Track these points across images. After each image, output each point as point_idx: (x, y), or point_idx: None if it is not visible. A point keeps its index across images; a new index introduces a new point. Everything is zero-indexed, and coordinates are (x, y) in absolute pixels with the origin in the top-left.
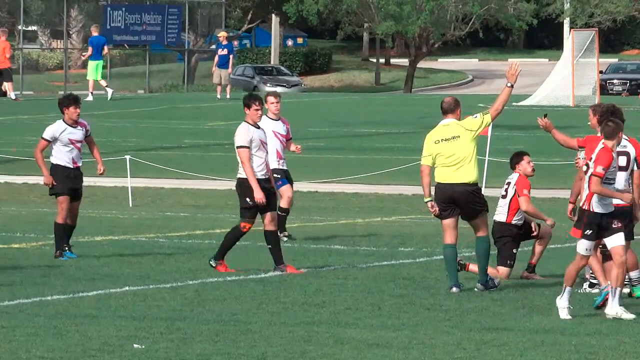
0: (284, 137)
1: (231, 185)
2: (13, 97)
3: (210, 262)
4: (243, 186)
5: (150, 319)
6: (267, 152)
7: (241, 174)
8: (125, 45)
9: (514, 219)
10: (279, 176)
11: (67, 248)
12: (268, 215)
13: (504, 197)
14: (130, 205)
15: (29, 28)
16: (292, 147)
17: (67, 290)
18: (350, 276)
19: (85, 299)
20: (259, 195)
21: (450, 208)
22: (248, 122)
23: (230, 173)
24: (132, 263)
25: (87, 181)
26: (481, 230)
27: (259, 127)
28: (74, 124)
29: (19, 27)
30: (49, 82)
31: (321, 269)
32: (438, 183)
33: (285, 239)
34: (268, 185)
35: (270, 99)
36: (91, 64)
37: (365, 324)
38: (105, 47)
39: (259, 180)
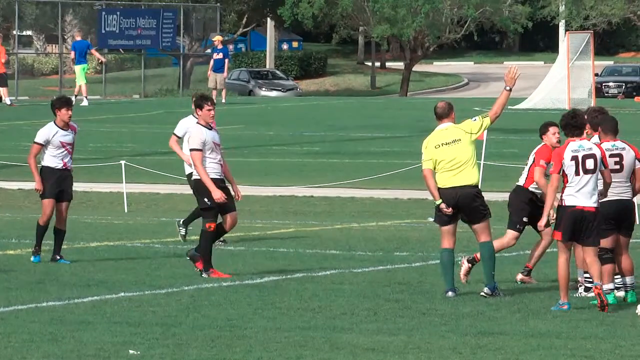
0: None
1: None
2: (8, 102)
3: (202, 275)
4: (199, 187)
5: (146, 324)
6: (220, 153)
7: (196, 176)
8: (120, 49)
9: (531, 185)
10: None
11: (59, 257)
12: (228, 216)
13: (527, 164)
14: (126, 210)
15: (24, 33)
16: None
17: (62, 297)
18: (346, 281)
19: (81, 305)
20: (217, 195)
21: (452, 214)
22: (200, 124)
23: None
24: (128, 269)
25: (82, 187)
26: (484, 236)
27: (211, 128)
28: (65, 126)
29: (14, 32)
30: (44, 87)
31: (317, 273)
32: (440, 188)
33: (183, 234)
34: (223, 185)
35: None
36: (77, 68)
37: (361, 329)
38: (93, 50)
39: (214, 180)
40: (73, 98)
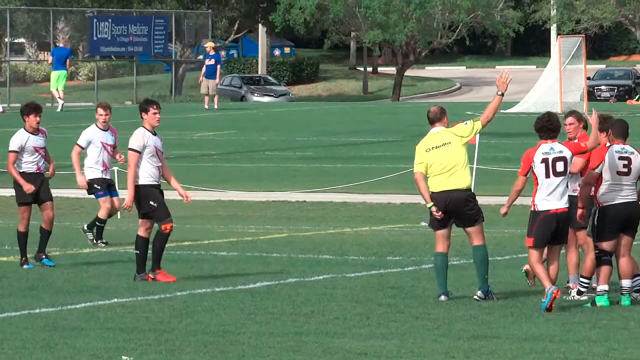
0: (112, 147)
1: (220, 195)
2: (0, 109)
3: (150, 275)
4: (140, 192)
5: (139, 330)
6: (161, 160)
7: (136, 182)
8: (112, 56)
9: None
10: (98, 187)
11: (44, 256)
12: (147, 222)
13: None
14: (119, 216)
15: (16, 40)
16: (116, 156)
17: (55, 303)
18: (339, 286)
19: (74, 312)
20: (128, 202)
21: (445, 218)
22: (145, 128)
23: (219, 184)
24: (121, 275)
25: (75, 193)
26: (477, 239)
27: (155, 134)
28: (35, 131)
29: (6, 40)
30: (36, 94)
31: (310, 278)
32: (432, 192)
33: (103, 245)
34: (159, 190)
35: (99, 110)
36: (54, 74)
37: (354, 334)
38: (68, 61)
39: (150, 186)
40: (60, 105)
